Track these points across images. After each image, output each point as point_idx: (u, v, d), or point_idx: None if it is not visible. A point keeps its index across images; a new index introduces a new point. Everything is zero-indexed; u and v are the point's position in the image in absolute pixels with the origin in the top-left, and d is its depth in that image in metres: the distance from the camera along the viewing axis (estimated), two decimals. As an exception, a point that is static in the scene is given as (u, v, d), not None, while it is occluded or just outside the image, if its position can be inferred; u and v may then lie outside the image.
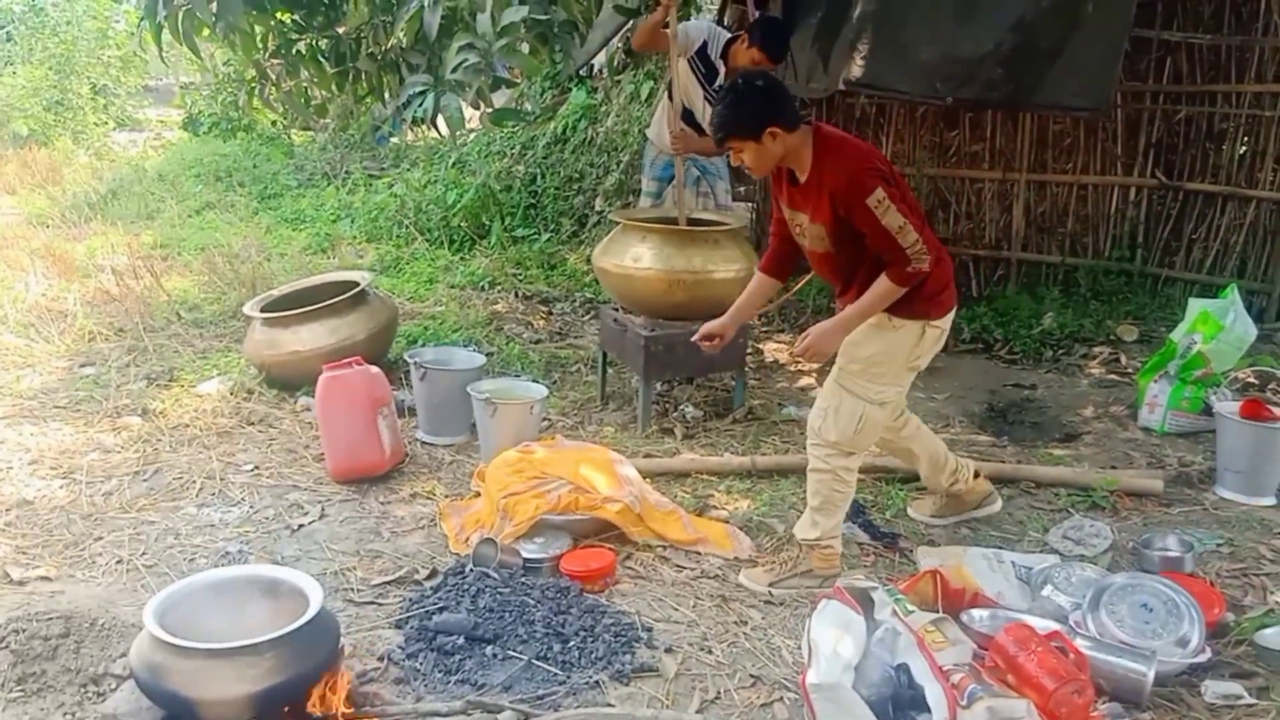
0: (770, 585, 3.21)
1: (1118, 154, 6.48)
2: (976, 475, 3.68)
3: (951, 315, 3.22)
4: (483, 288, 6.83)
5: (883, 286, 3.01)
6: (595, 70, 8.87)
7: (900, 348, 3.13)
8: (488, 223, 8.09)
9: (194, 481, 3.91)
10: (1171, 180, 6.36)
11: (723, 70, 5.09)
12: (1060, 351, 5.74)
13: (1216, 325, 4.42)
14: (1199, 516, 3.77)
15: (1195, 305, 4.59)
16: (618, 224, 4.75)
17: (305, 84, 4.87)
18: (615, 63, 7.54)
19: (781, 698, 2.66)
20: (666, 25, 4.74)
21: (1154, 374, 4.64)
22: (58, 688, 2.63)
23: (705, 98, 5.14)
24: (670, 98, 5.11)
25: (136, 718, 2.39)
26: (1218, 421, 4.05)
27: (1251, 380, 4.87)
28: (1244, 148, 6.14)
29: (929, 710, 2.32)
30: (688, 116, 5.19)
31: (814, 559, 3.25)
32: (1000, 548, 3.41)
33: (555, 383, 5.13)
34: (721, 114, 3.06)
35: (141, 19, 4.09)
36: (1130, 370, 5.34)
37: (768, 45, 4.92)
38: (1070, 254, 6.67)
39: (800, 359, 3.17)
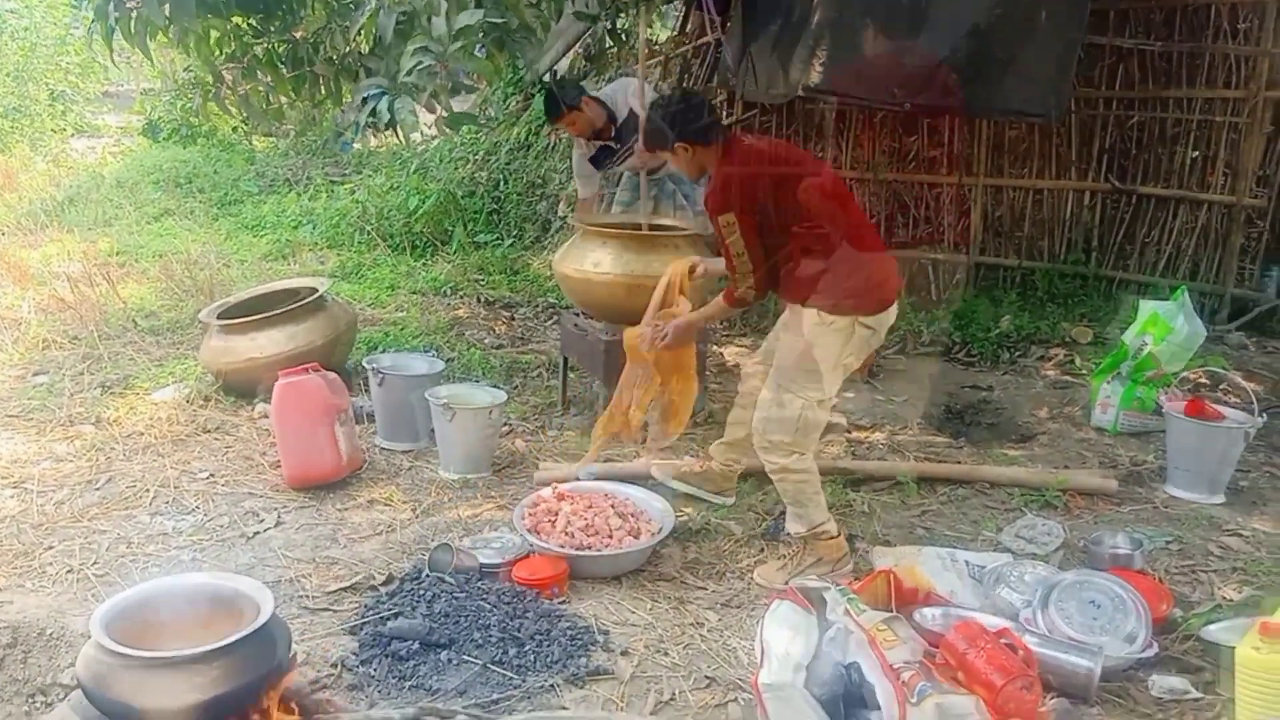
0: (787, 581, 3.22)
1: (1072, 159, 6.57)
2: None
3: (883, 317, 3.33)
4: (444, 293, 6.80)
5: (717, 302, 3.50)
6: (558, 76, 8.87)
7: (832, 345, 3.24)
8: (450, 228, 8.07)
9: (148, 490, 3.87)
10: (1124, 185, 6.45)
11: (597, 144, 5.32)
12: (1017, 354, 5.81)
13: (1166, 327, 4.49)
14: (1149, 514, 3.83)
15: (1146, 307, 4.65)
16: (578, 229, 4.76)
17: (263, 88, 4.83)
18: (577, 69, 7.56)
19: (736, 698, 2.67)
20: None
21: (1107, 375, 4.71)
22: (4, 698, 2.60)
23: (626, 153, 5.30)
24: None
25: (83, 728, 2.36)
26: (1167, 421, 4.11)
27: (1203, 381, 4.96)
28: (1195, 152, 6.24)
29: (879, 708, 2.34)
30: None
31: (819, 548, 3.34)
32: (954, 547, 3.45)
33: (516, 388, 5.12)
34: (645, 128, 3.54)
35: (93, 21, 4.04)
36: (1084, 372, 5.41)
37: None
38: (1027, 257, 6.75)
39: (657, 346, 3.59)
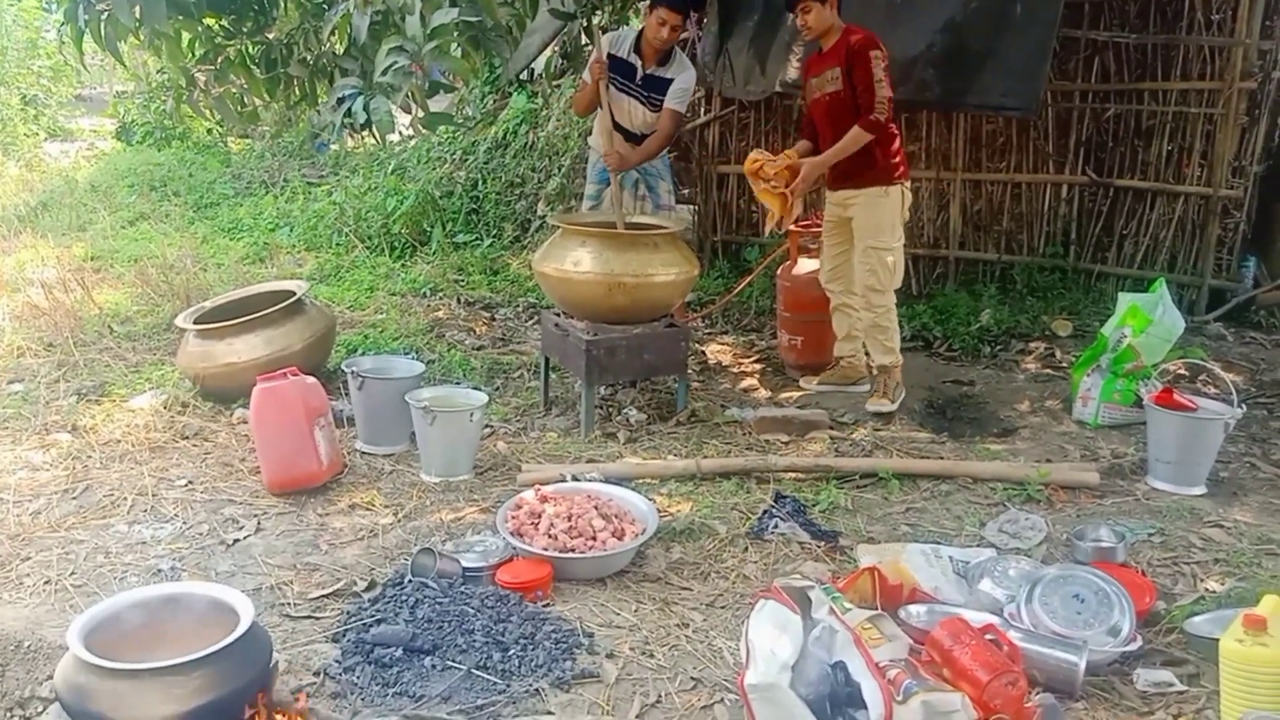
0: (894, 404, 4.73)
1: (1049, 152, 6.59)
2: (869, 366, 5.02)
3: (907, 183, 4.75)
4: (424, 295, 6.77)
5: (852, 133, 4.46)
6: (535, 75, 8.84)
7: (895, 207, 4.65)
8: (429, 229, 8.03)
9: (125, 498, 3.82)
10: (1102, 177, 6.48)
11: (639, 62, 5.05)
12: (998, 348, 5.82)
13: (1145, 319, 4.51)
14: (1131, 507, 3.84)
15: (1124, 299, 4.67)
16: (558, 228, 4.73)
17: (237, 90, 4.79)
18: (553, 67, 7.53)
19: (722, 699, 2.66)
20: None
21: (1087, 368, 4.72)
22: (-20, 713, 2.56)
23: (633, 99, 5.11)
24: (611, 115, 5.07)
25: (62, 742, 2.33)
26: (1148, 413, 4.13)
27: (1182, 372, 4.99)
28: (1171, 144, 6.28)
29: (866, 707, 2.33)
30: (627, 133, 5.17)
31: (895, 373, 4.78)
32: (938, 543, 3.45)
33: (497, 389, 5.10)
34: None
35: (62, 24, 4.00)
36: (1065, 365, 5.44)
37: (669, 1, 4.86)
38: (1006, 251, 6.77)
39: (795, 191, 4.66)
